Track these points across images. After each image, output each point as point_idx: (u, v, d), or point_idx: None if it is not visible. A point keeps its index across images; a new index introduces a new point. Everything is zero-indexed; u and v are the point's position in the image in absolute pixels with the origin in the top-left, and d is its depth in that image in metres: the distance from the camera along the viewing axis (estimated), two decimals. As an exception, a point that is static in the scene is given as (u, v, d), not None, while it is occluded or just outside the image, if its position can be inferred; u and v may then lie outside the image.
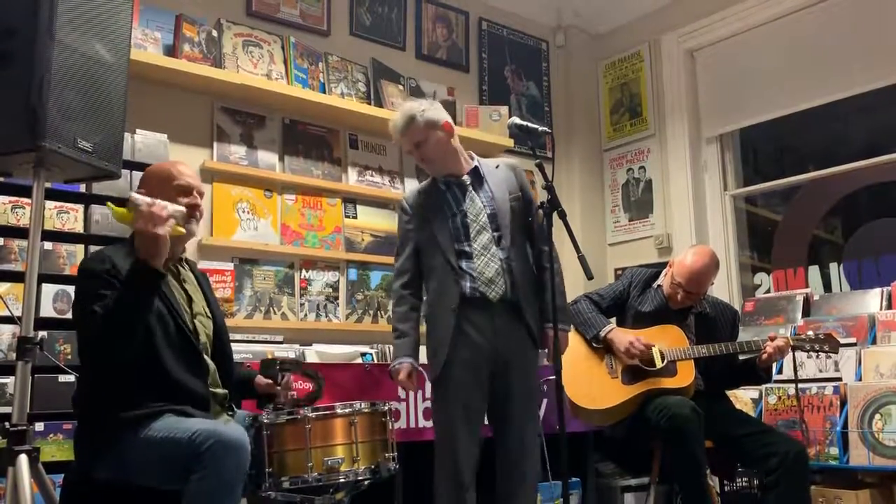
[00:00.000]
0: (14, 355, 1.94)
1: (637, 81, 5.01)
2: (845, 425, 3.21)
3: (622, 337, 3.08)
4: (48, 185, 2.15)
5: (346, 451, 2.10)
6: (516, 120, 2.73)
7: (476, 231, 2.74)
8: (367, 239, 4.05)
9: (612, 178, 5.09)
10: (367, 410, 2.18)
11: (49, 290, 2.81)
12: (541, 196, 2.63)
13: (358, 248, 4.00)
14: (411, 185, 4.21)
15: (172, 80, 3.46)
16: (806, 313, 3.83)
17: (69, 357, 2.75)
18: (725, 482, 3.43)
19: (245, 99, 3.72)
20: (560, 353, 2.65)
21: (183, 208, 2.12)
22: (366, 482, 2.17)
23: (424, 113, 2.74)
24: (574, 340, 3.18)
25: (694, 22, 4.72)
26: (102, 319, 1.94)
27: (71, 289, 2.81)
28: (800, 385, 3.31)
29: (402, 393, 3.09)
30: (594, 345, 3.14)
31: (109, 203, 2.07)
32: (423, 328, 2.79)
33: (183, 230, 2.12)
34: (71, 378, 2.67)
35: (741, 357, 3.20)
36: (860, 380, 3.32)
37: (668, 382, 3.02)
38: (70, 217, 2.94)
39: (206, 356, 2.20)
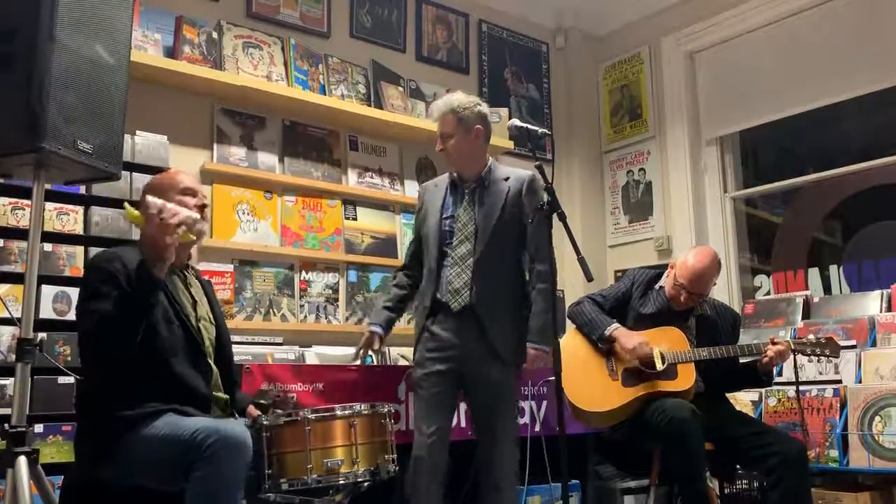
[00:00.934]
0: (14, 357, 1.94)
1: (637, 83, 5.01)
2: (845, 427, 3.21)
3: (627, 335, 3.08)
4: (48, 186, 2.16)
5: (345, 453, 2.10)
6: (516, 122, 2.73)
7: (459, 240, 2.82)
8: (366, 240, 4.05)
9: (611, 180, 5.09)
10: (366, 412, 2.18)
11: (49, 291, 2.81)
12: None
13: (358, 249, 4.00)
14: (411, 187, 4.22)
15: (172, 81, 3.46)
16: (806, 316, 3.83)
17: (69, 359, 2.75)
18: (725, 484, 3.43)
19: (245, 100, 3.72)
20: (529, 368, 2.82)
21: (196, 214, 2.12)
22: (365, 484, 2.17)
23: (462, 111, 2.81)
24: (575, 343, 3.19)
25: (694, 24, 4.72)
26: (99, 318, 1.96)
27: (71, 290, 2.82)
28: (800, 387, 3.31)
29: (401, 395, 3.10)
30: (599, 346, 3.13)
31: (127, 204, 2.07)
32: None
33: (193, 236, 2.12)
34: (70, 379, 2.66)
35: (742, 360, 3.19)
36: (860, 382, 3.32)
37: (668, 385, 3.02)
38: (70, 218, 2.94)
39: (209, 360, 2.20)
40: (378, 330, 2.94)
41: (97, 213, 2.99)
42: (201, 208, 2.24)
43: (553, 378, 2.44)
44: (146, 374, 2.02)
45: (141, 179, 3.05)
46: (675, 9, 4.82)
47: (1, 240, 2.78)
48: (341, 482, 2.09)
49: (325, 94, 3.95)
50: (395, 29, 4.42)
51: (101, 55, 2.03)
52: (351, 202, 4.05)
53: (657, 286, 3.26)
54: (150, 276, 1.97)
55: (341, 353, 3.57)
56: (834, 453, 3.22)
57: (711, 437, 2.97)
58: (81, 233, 2.96)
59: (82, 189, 2.96)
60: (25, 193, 2.64)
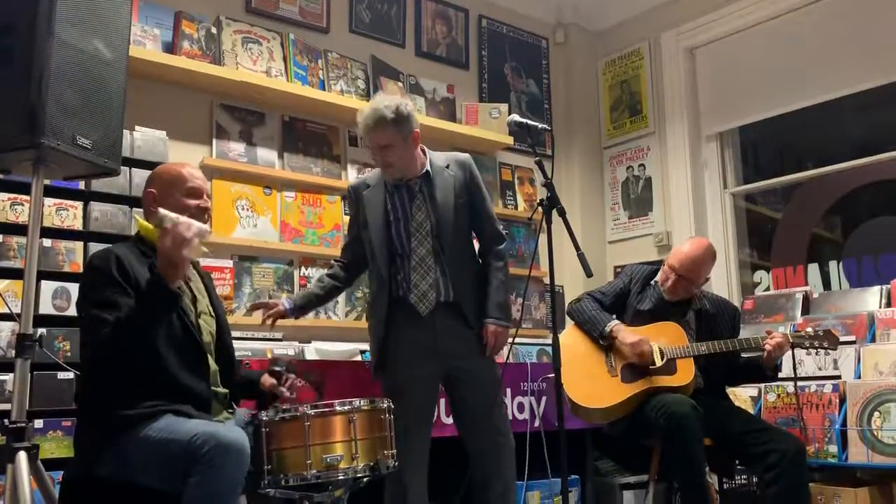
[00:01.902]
0: (13, 352, 1.94)
1: (637, 79, 5.00)
2: (844, 423, 3.21)
3: (628, 332, 3.08)
4: (47, 181, 2.15)
5: (345, 449, 2.09)
6: (516, 117, 2.73)
7: (418, 241, 2.71)
8: (366, 236, 4.04)
9: (611, 175, 5.09)
10: (366, 408, 2.18)
11: (48, 287, 2.81)
12: (540, 193, 2.62)
13: (357, 245, 4.00)
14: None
15: (171, 77, 3.46)
16: (805, 311, 3.83)
17: (68, 354, 2.75)
18: (724, 480, 3.43)
19: (244, 96, 3.72)
20: (498, 348, 2.73)
21: (208, 228, 2.11)
22: (365, 479, 2.17)
23: (397, 117, 2.60)
24: (574, 338, 3.19)
25: (694, 20, 4.72)
26: (112, 330, 1.94)
27: (70, 286, 2.82)
28: (799, 383, 3.32)
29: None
30: (600, 342, 3.13)
31: (137, 217, 2.06)
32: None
33: (206, 249, 2.11)
34: (70, 375, 2.67)
35: (743, 356, 3.20)
36: (859, 378, 3.32)
37: (667, 381, 3.02)
38: (69, 214, 2.94)
39: (209, 356, 2.20)
40: (289, 306, 2.79)
41: (96, 208, 2.98)
42: (203, 211, 2.22)
43: (552, 374, 2.45)
44: (145, 372, 2.02)
45: (140, 175, 3.05)
46: (675, 4, 4.81)
47: (0, 235, 2.78)
48: (341, 478, 2.08)
49: (324, 90, 3.94)
50: (394, 24, 4.42)
51: (100, 50, 2.03)
52: (350, 198, 4.04)
53: (653, 282, 3.26)
54: (167, 289, 1.97)
55: (341, 349, 3.57)
56: (833, 449, 3.22)
57: (711, 432, 2.97)
58: (81, 228, 2.96)
59: (81, 185, 2.96)
60: (24, 189, 2.64)
